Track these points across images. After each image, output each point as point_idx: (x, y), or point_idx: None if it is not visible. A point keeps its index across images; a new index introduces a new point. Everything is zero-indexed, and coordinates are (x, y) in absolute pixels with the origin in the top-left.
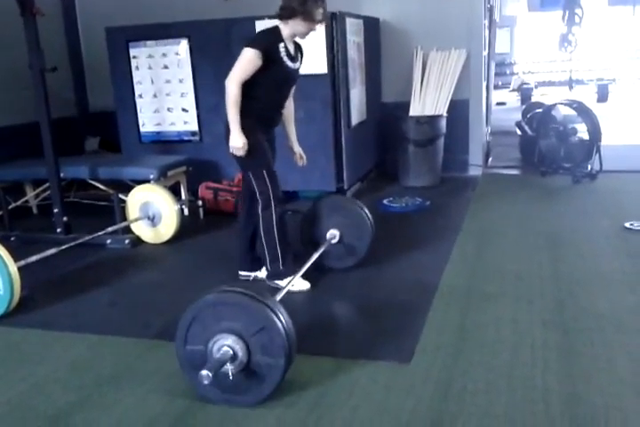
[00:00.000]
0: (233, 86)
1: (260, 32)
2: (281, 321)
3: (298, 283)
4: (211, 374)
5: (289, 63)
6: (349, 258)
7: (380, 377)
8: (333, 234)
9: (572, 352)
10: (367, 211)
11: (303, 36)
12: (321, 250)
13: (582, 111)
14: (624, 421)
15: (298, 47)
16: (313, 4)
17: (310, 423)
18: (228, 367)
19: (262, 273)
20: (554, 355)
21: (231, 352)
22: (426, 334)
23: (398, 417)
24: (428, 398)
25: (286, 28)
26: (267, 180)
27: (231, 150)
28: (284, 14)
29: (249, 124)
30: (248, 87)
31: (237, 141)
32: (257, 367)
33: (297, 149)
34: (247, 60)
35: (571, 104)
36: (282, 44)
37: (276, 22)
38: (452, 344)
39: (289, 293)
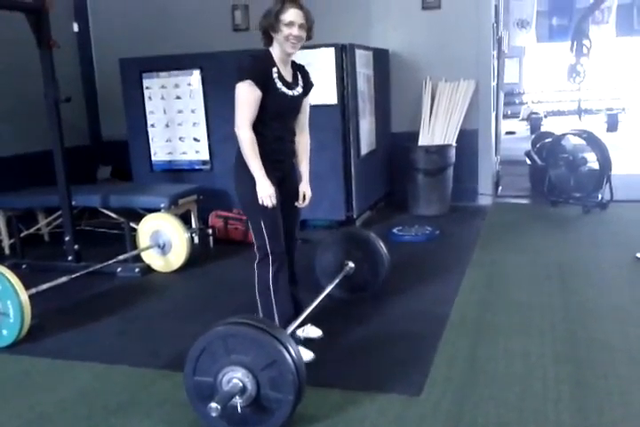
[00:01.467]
0: (244, 132)
1: (247, 58)
2: (291, 356)
3: (303, 352)
4: (219, 407)
5: (285, 90)
6: (361, 291)
7: (389, 410)
8: (349, 266)
9: (585, 385)
10: (384, 246)
11: (290, 48)
12: (335, 282)
13: (592, 141)
14: None
15: (298, 72)
16: (273, 10)
17: None
18: (237, 401)
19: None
20: (566, 388)
21: (240, 385)
22: (436, 366)
23: None
24: None
25: (274, 50)
26: (264, 233)
27: (260, 201)
28: (264, 38)
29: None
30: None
31: (266, 190)
32: (266, 402)
33: (303, 188)
34: (245, 96)
35: (580, 134)
36: (274, 69)
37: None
38: (462, 377)
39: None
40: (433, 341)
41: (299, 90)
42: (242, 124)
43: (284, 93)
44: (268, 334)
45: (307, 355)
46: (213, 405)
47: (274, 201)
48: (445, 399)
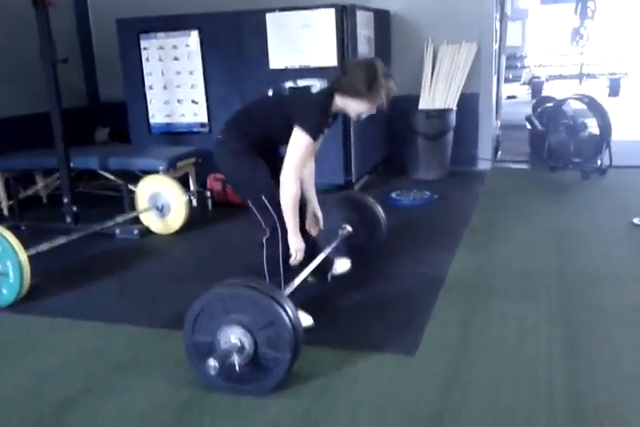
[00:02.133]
0: (293, 182)
1: (312, 106)
2: (289, 316)
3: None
4: (217, 364)
5: (325, 132)
6: (359, 254)
7: (384, 369)
8: (346, 229)
9: (577, 348)
10: (381, 209)
11: (356, 115)
12: (333, 245)
13: (593, 106)
14: (627, 417)
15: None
16: (381, 87)
17: (314, 414)
18: (235, 359)
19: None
20: (558, 350)
21: (238, 344)
22: (431, 327)
23: (402, 409)
24: (432, 390)
25: (341, 103)
26: (269, 207)
27: (293, 256)
28: (348, 93)
29: (242, 147)
30: (264, 125)
31: (299, 244)
32: (263, 360)
33: (316, 211)
34: (303, 149)
35: (581, 99)
36: (330, 120)
37: (289, 15)
38: (456, 338)
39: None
40: (428, 303)
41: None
42: (294, 172)
43: (321, 135)
44: (265, 295)
45: (306, 320)
46: (211, 362)
47: (302, 254)
48: (439, 360)
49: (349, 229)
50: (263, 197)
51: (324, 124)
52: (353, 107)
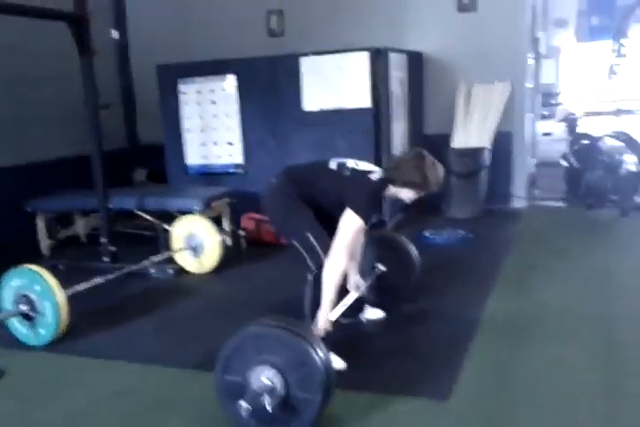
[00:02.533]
0: (343, 258)
1: (365, 193)
2: (320, 357)
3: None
4: (250, 407)
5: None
6: (392, 294)
7: (418, 414)
8: (379, 269)
9: (621, 396)
10: (414, 249)
11: (408, 200)
12: (367, 282)
13: (630, 143)
14: None
15: None
16: (433, 177)
17: None
18: (266, 400)
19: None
20: (601, 398)
21: (270, 384)
22: (466, 370)
23: None
24: None
25: (394, 191)
26: (315, 244)
27: (320, 330)
28: (401, 183)
29: (294, 194)
30: (312, 195)
31: (326, 323)
32: (294, 401)
33: (360, 283)
34: (357, 230)
35: (618, 136)
36: (384, 202)
37: (322, 58)
38: (492, 382)
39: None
40: (464, 345)
41: None
42: (345, 250)
43: None
44: (297, 335)
45: (339, 363)
46: (243, 404)
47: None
48: (474, 405)
49: (382, 268)
50: (309, 235)
51: (375, 210)
52: (407, 195)
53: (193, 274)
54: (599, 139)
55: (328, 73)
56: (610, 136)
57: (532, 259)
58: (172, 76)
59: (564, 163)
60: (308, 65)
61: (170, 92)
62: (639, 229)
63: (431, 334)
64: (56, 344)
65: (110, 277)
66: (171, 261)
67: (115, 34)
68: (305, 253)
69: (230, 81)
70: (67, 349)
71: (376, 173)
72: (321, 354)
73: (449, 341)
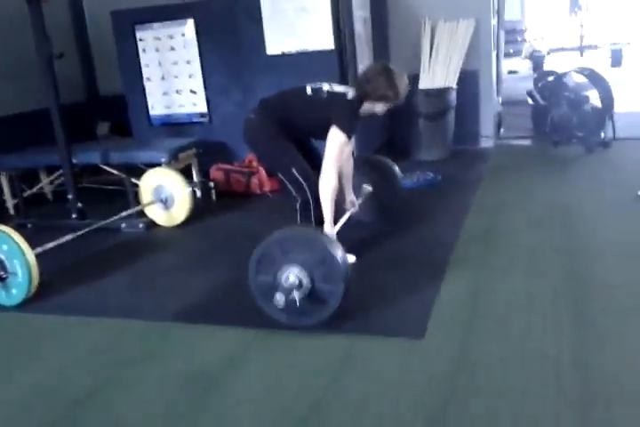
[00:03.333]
0: (334, 173)
1: (346, 110)
2: (338, 253)
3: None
4: (284, 298)
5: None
6: (377, 213)
7: (393, 353)
8: (367, 189)
9: (585, 322)
10: (397, 169)
11: (381, 112)
12: (357, 204)
13: (594, 78)
14: (636, 387)
15: None
16: (403, 88)
17: (323, 401)
18: (295, 294)
19: None
20: (566, 325)
21: (297, 281)
22: (438, 307)
23: (411, 392)
24: (441, 372)
25: (369, 106)
26: (299, 178)
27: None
28: (376, 98)
29: (275, 127)
30: (293, 114)
31: (331, 231)
32: (320, 293)
33: (355, 202)
34: (340, 147)
35: (582, 71)
36: (361, 117)
37: None
38: (464, 318)
39: None
40: (435, 283)
41: None
42: (334, 166)
43: None
44: (317, 236)
45: (350, 258)
46: (278, 296)
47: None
48: (448, 341)
49: (370, 188)
50: (294, 170)
51: (356, 125)
52: (380, 108)
53: (164, 227)
54: (564, 75)
55: (290, 14)
56: (575, 72)
57: (501, 197)
58: (128, 22)
59: (530, 100)
60: (268, 6)
61: (127, 39)
62: (604, 165)
63: (402, 274)
64: (29, 303)
65: (80, 233)
66: (141, 215)
67: None
68: (290, 186)
69: (189, 26)
70: (40, 307)
71: (350, 92)
72: (339, 250)
73: (420, 279)
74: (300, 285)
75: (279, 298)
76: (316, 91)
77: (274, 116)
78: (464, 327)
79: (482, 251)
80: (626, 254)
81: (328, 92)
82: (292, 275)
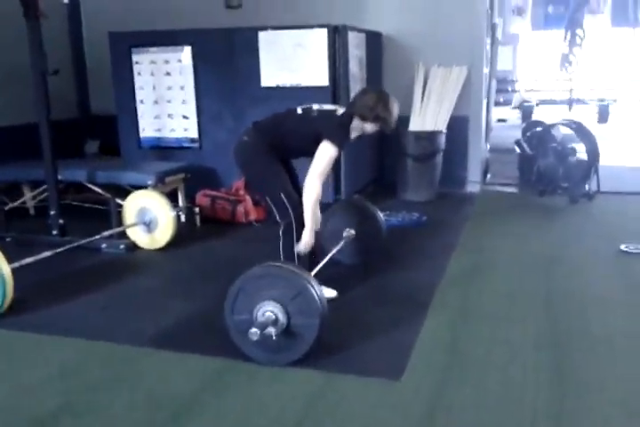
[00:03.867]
0: (316, 185)
1: (339, 127)
2: (313, 287)
3: (326, 291)
4: (258, 331)
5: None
6: (360, 256)
7: (368, 393)
8: (350, 232)
9: (563, 373)
10: (380, 213)
11: (366, 133)
12: (337, 247)
13: (581, 131)
14: None
15: None
16: (395, 112)
17: None
18: (271, 330)
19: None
20: (545, 375)
21: (273, 317)
22: (417, 350)
23: None
24: (416, 414)
25: (357, 124)
26: (285, 202)
27: (301, 248)
28: (367, 117)
29: (266, 149)
30: (286, 137)
31: (311, 240)
32: (295, 328)
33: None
34: (329, 158)
35: (570, 124)
36: (352, 136)
37: (281, 33)
38: (442, 362)
39: None
40: (415, 325)
41: None
42: (319, 176)
43: None
44: (292, 271)
45: (331, 293)
46: (253, 329)
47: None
48: (425, 384)
49: (353, 232)
50: (282, 195)
51: (346, 141)
52: (368, 128)
53: (145, 250)
54: (552, 127)
55: (286, 49)
56: (562, 124)
57: (484, 243)
58: (125, 44)
59: (518, 149)
60: (266, 40)
61: (123, 61)
62: (587, 217)
63: (383, 314)
64: (1, 319)
65: (59, 250)
66: (123, 236)
67: None
68: (275, 210)
69: (186, 52)
70: (12, 324)
71: (340, 109)
72: (313, 283)
73: (401, 321)
74: (276, 320)
75: (254, 332)
76: (307, 110)
77: (266, 138)
78: (442, 371)
79: (463, 295)
80: (609, 307)
81: (318, 110)
82: (268, 311)
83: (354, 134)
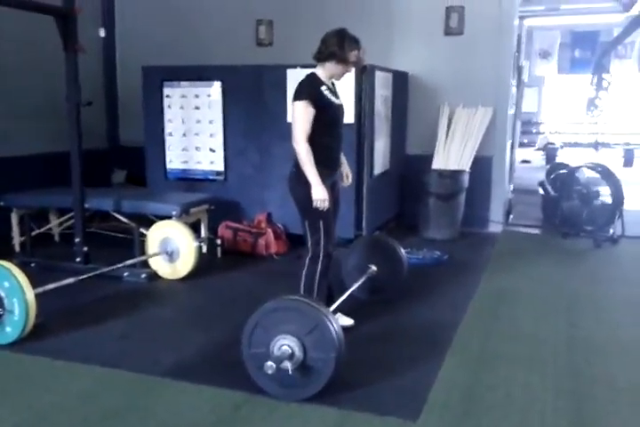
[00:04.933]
0: (302, 145)
1: (300, 83)
2: (330, 320)
3: (342, 319)
4: (274, 365)
5: (335, 100)
6: (380, 292)
7: None
8: (371, 269)
9: (583, 421)
10: (402, 251)
11: (339, 77)
12: (358, 283)
13: (606, 175)
14: None
15: (333, 84)
16: (349, 47)
17: None
18: (287, 364)
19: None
20: (564, 422)
21: (289, 351)
22: (435, 391)
23: None
24: None
25: (324, 71)
26: (321, 232)
27: (315, 204)
28: (322, 57)
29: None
30: (309, 136)
31: (320, 194)
32: (312, 362)
33: (346, 169)
34: (302, 113)
35: (595, 167)
36: (324, 87)
37: (308, 70)
38: (460, 404)
39: None
40: (434, 366)
41: (340, 100)
42: (300, 138)
43: (335, 104)
44: (308, 304)
45: (347, 321)
46: (269, 363)
47: (327, 204)
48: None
49: (374, 268)
50: (321, 223)
51: (317, 91)
52: (332, 70)
53: (166, 280)
54: (577, 169)
55: None
56: (587, 167)
57: (506, 284)
58: (157, 78)
59: (541, 191)
60: (294, 77)
61: (154, 94)
62: (610, 261)
63: (402, 354)
64: (22, 343)
65: (82, 278)
66: (145, 265)
67: (102, 32)
68: (309, 236)
69: (216, 87)
70: (32, 348)
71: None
72: (330, 317)
73: (420, 361)
74: (292, 354)
75: (270, 365)
76: None
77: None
78: (460, 414)
79: (483, 336)
80: (633, 355)
81: None
82: (284, 344)
83: (326, 81)
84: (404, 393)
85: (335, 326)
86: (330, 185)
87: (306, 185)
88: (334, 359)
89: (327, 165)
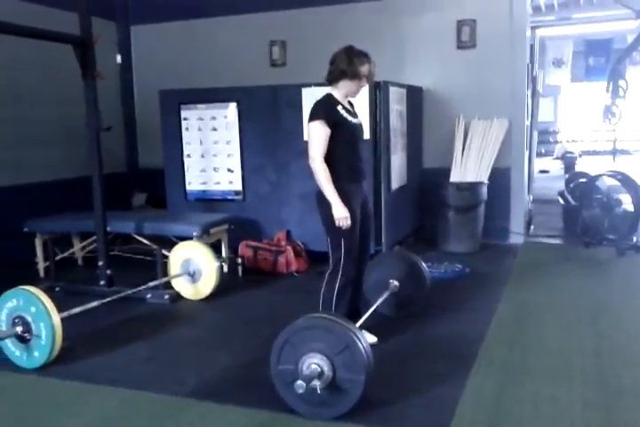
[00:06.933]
0: (318, 164)
1: (316, 103)
2: (360, 341)
3: (367, 336)
4: (304, 384)
5: (352, 119)
6: (403, 307)
7: None
8: (394, 284)
9: None
10: (424, 265)
11: (354, 94)
12: (381, 299)
13: (627, 182)
14: None
15: (350, 103)
16: (358, 61)
17: None
18: (316, 383)
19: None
20: None
21: (318, 369)
22: (462, 406)
23: None
24: None
25: (339, 91)
26: (342, 250)
27: (337, 223)
28: (333, 77)
29: (343, 191)
30: (328, 154)
31: (341, 212)
32: (341, 383)
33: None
34: (317, 134)
35: (615, 175)
36: (339, 107)
37: (324, 89)
38: (488, 418)
39: None
40: (459, 381)
41: (359, 119)
42: (316, 157)
43: (352, 123)
44: (339, 324)
45: (371, 338)
46: (299, 382)
47: (349, 222)
48: None
49: (397, 283)
50: (343, 241)
51: (333, 111)
52: (347, 88)
53: (189, 300)
54: (596, 177)
55: None
56: (607, 175)
57: (529, 296)
58: (174, 101)
59: (561, 200)
60: (309, 96)
61: (171, 117)
62: (635, 269)
63: (428, 369)
64: (48, 367)
65: (105, 301)
66: (167, 286)
67: (118, 58)
68: (331, 253)
69: (232, 109)
70: (58, 372)
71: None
72: (360, 337)
73: (445, 376)
74: (321, 373)
75: (300, 384)
76: None
77: (335, 175)
78: None
79: (509, 349)
80: None
81: None
82: (313, 363)
83: (342, 100)
84: (432, 409)
85: (366, 347)
86: (360, 202)
87: (329, 203)
88: (364, 381)
89: (353, 178)
